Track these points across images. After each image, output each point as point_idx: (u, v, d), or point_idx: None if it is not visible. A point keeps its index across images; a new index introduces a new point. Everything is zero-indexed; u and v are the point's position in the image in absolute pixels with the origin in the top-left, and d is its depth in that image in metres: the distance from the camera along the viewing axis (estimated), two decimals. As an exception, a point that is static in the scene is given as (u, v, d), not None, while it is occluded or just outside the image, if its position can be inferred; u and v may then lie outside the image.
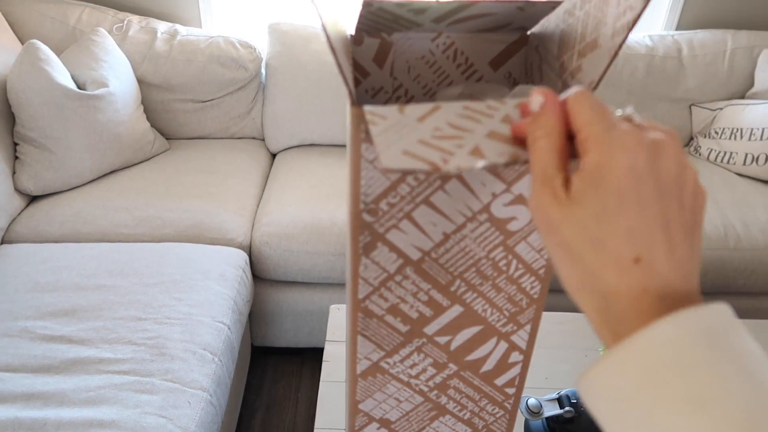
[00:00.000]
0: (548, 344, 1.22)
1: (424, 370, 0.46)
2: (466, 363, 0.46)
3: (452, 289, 0.41)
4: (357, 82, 0.45)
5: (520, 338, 0.45)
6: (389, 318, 0.42)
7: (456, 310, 0.42)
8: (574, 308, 1.70)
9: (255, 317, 1.69)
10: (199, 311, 1.27)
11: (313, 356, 1.85)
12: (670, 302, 0.27)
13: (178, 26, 1.92)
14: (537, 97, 0.30)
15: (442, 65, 0.46)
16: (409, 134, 0.30)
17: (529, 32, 0.45)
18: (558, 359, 1.18)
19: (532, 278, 0.41)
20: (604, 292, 0.28)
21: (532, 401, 0.82)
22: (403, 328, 0.43)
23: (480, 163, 0.29)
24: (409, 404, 0.48)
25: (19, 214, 1.59)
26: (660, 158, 0.28)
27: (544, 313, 1.30)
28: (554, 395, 0.84)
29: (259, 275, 1.62)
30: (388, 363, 0.45)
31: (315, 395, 1.72)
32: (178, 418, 1.05)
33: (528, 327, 0.44)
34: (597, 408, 0.28)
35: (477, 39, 0.44)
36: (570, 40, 0.38)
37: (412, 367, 0.45)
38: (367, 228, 0.38)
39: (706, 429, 0.23)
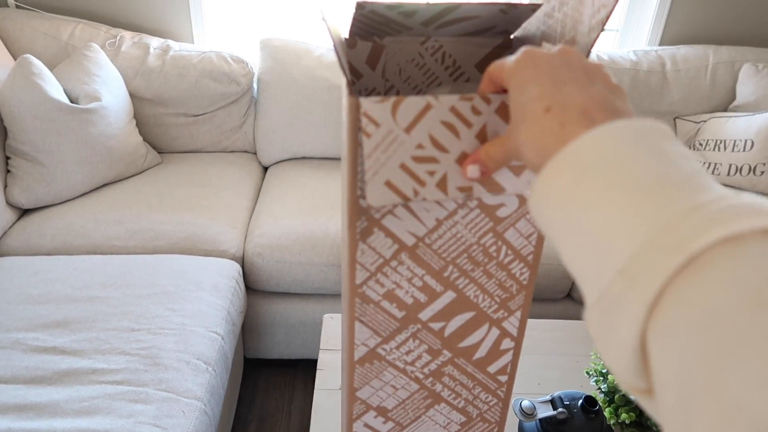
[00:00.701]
0: (540, 351, 1.23)
1: (419, 357, 0.47)
2: (459, 350, 0.47)
3: (445, 274, 0.43)
4: (350, 84, 0.47)
5: (511, 324, 0.46)
6: (385, 303, 0.44)
7: (449, 295, 0.44)
8: (565, 316, 1.72)
9: (248, 329, 1.69)
10: (193, 321, 1.27)
11: (306, 368, 1.84)
12: (591, 125, 0.31)
13: (170, 42, 1.94)
14: (472, 169, 0.36)
15: (431, 67, 0.48)
16: (395, 154, 0.34)
17: (512, 36, 0.47)
18: (550, 366, 1.20)
19: (521, 264, 0.43)
20: (535, 145, 0.32)
21: (525, 403, 0.84)
22: (399, 314, 0.44)
23: (441, 197, 0.35)
24: (405, 392, 0.49)
25: (11, 227, 1.58)
26: (551, 52, 0.34)
27: (536, 322, 1.32)
28: (547, 397, 0.85)
29: (251, 287, 1.63)
30: (384, 349, 0.46)
31: (308, 407, 1.72)
32: (173, 428, 1.05)
33: (518, 313, 0.46)
34: (543, 219, 0.31)
35: (464, 43, 0.47)
36: (550, 40, 0.41)
37: (407, 353, 0.46)
38: (363, 214, 0.39)
39: (624, 206, 0.27)
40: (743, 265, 0.22)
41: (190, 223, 1.60)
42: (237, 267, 1.51)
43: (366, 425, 0.51)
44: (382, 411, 0.50)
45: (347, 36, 0.46)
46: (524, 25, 0.45)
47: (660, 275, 0.24)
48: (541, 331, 1.29)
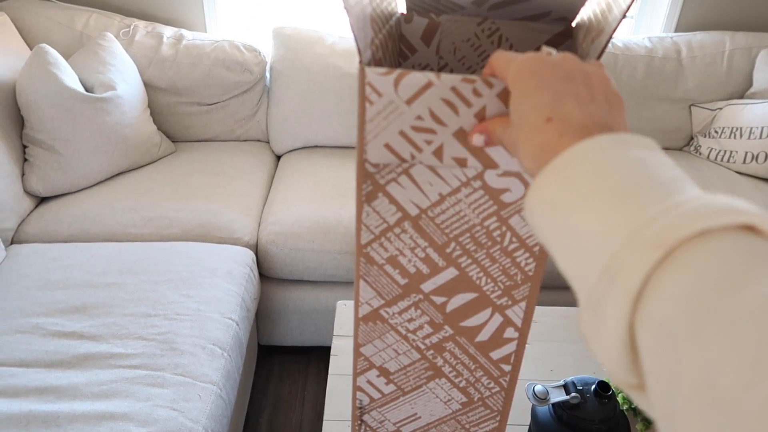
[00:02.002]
0: (554, 338, 1.24)
1: (420, 327, 0.48)
2: (461, 328, 0.48)
3: (448, 250, 0.44)
4: (405, 58, 0.48)
5: (515, 314, 0.47)
6: (389, 268, 0.45)
7: (451, 272, 0.45)
8: (574, 301, 1.72)
9: (261, 316, 1.71)
10: (208, 308, 1.28)
11: (320, 355, 1.86)
12: (585, 137, 0.32)
13: (183, 31, 1.95)
14: (477, 137, 0.38)
15: (487, 49, 0.49)
16: (395, 121, 0.36)
17: (573, 24, 0.47)
18: (563, 352, 1.20)
19: (527, 254, 0.44)
20: (533, 153, 0.34)
21: (538, 388, 0.84)
22: (402, 281, 0.45)
23: (436, 164, 0.37)
24: (406, 358, 0.50)
25: (29, 215, 1.61)
26: (555, 61, 0.36)
27: (549, 309, 1.32)
28: (561, 382, 0.86)
29: (265, 274, 1.64)
30: (387, 312, 0.47)
31: (322, 394, 1.74)
32: (189, 411, 1.06)
33: (523, 304, 0.46)
34: (537, 225, 0.33)
35: (522, 27, 0.47)
36: (592, 29, 0.41)
37: (409, 321, 0.48)
38: (369, 177, 0.41)
39: (606, 209, 0.29)
40: (714, 257, 0.24)
41: (204, 210, 1.62)
42: (251, 254, 1.53)
43: (369, 382, 0.52)
44: (384, 372, 0.51)
45: (404, 11, 0.47)
46: (580, 13, 0.45)
47: (640, 270, 0.26)
48: (554, 318, 1.29)
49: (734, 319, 0.22)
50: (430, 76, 0.34)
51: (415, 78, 0.34)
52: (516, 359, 0.49)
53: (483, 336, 0.48)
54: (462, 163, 0.37)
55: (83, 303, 1.26)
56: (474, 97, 0.35)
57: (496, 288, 0.45)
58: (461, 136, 0.37)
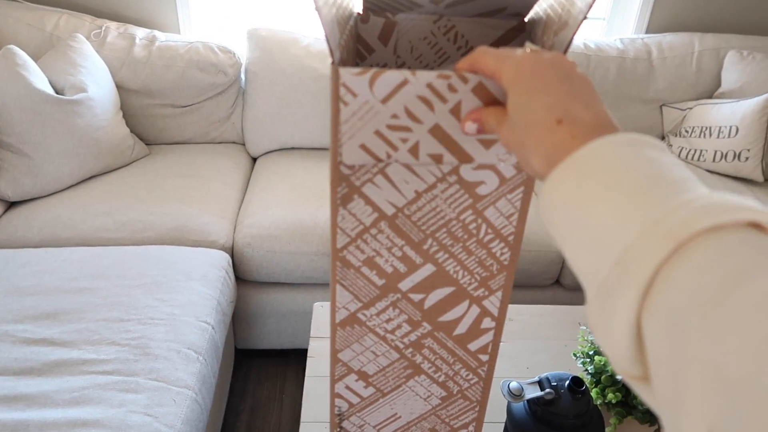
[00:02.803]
0: (529, 336, 1.25)
1: (399, 326, 0.48)
2: (439, 324, 0.48)
3: (425, 247, 0.44)
4: (362, 58, 0.48)
5: (492, 304, 0.47)
6: (365, 270, 0.45)
7: (428, 268, 0.45)
8: (554, 302, 1.74)
9: (238, 320, 1.69)
10: (183, 311, 1.27)
11: (297, 357, 1.85)
12: (597, 137, 0.34)
13: (156, 32, 1.93)
14: (469, 125, 0.39)
15: (443, 46, 0.49)
16: (370, 122, 0.35)
17: (526, 19, 0.48)
18: (539, 350, 1.21)
19: (502, 244, 0.44)
20: (546, 153, 0.35)
21: (513, 384, 0.85)
22: (379, 282, 0.45)
23: (412, 161, 0.37)
24: (385, 359, 0.50)
25: (-3, 220, 1.57)
26: (552, 61, 0.37)
27: (525, 307, 1.33)
28: (535, 379, 0.86)
29: (241, 277, 1.63)
30: (365, 315, 0.47)
31: (300, 396, 1.73)
32: (164, 416, 1.05)
33: (499, 294, 0.46)
34: (551, 221, 0.34)
35: (477, 24, 0.47)
36: (551, 23, 0.42)
37: (387, 321, 0.48)
38: (344, 180, 0.40)
39: (619, 204, 0.30)
40: (724, 251, 0.25)
41: (179, 213, 1.60)
42: (226, 257, 1.51)
43: (348, 387, 0.52)
44: (363, 375, 0.51)
45: (360, 11, 0.47)
46: (534, 8, 0.46)
47: (650, 262, 0.27)
48: (529, 316, 1.30)
49: (742, 309, 0.23)
50: (405, 74, 0.34)
51: (391, 76, 0.34)
52: (493, 349, 0.50)
53: (461, 329, 0.48)
54: (438, 159, 0.37)
55: (54, 309, 1.23)
56: (449, 92, 0.36)
57: (473, 280, 0.46)
58: (437, 132, 0.37)
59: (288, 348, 1.77)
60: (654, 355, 0.26)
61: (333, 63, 0.35)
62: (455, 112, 0.36)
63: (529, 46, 0.39)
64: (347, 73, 0.34)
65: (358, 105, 0.35)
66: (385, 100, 0.35)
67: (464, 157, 0.38)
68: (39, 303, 1.25)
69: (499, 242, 0.44)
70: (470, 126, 0.38)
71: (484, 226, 0.43)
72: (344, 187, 0.41)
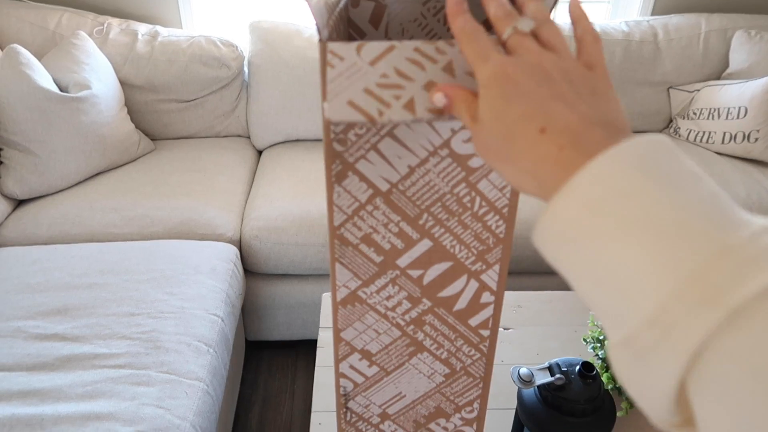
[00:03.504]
0: (539, 322, 1.24)
1: (399, 303, 0.48)
2: (439, 299, 0.48)
3: (420, 222, 0.44)
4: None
5: (490, 278, 0.47)
6: (363, 247, 0.45)
7: (425, 244, 0.45)
8: (563, 288, 1.73)
9: (248, 312, 1.70)
10: (192, 305, 1.27)
11: (307, 348, 1.86)
12: (590, 147, 0.29)
13: (158, 27, 1.93)
14: (439, 97, 0.35)
15: (434, 28, 0.49)
16: (358, 81, 0.34)
17: None
18: (548, 336, 1.21)
19: (497, 217, 0.44)
20: (531, 169, 0.31)
21: (523, 371, 0.84)
22: (377, 258, 0.46)
23: (410, 118, 0.34)
24: (387, 337, 0.50)
25: (6, 218, 1.58)
26: (529, 61, 0.33)
27: (534, 294, 1.33)
28: (545, 364, 0.86)
29: (250, 269, 1.63)
30: (365, 293, 0.47)
31: (311, 387, 1.73)
32: (176, 408, 1.06)
33: (497, 267, 0.46)
34: (551, 253, 0.30)
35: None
36: None
37: (388, 299, 0.48)
38: (338, 157, 0.41)
39: (644, 245, 0.25)
40: None
41: (186, 208, 1.60)
42: (234, 250, 1.52)
43: (352, 367, 0.52)
44: (366, 354, 0.51)
45: None
46: None
47: (699, 330, 0.23)
48: (539, 303, 1.30)
49: None
50: (391, 42, 0.34)
51: (377, 44, 0.34)
52: (494, 323, 0.50)
53: (461, 304, 0.48)
54: (438, 112, 0.35)
55: (65, 305, 1.24)
56: (438, 54, 0.35)
57: (470, 254, 0.46)
58: (432, 88, 0.35)
59: (298, 339, 1.78)
60: (704, 420, 0.24)
61: (321, 40, 0.35)
62: (448, 69, 0.35)
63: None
64: (334, 44, 0.34)
65: (345, 66, 0.34)
66: (373, 62, 0.34)
67: None
68: (50, 299, 1.26)
69: (493, 215, 0.44)
70: (439, 98, 0.34)
71: (478, 199, 0.43)
72: (338, 165, 0.41)
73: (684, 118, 2.04)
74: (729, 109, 1.90)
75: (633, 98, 2.05)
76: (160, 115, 1.93)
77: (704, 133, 1.96)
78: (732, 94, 1.90)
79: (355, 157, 0.41)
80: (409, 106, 0.34)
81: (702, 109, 1.97)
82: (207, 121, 1.98)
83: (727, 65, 2.05)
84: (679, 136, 2.04)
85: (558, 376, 0.84)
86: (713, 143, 1.93)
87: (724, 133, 1.90)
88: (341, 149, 0.40)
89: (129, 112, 1.90)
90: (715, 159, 1.88)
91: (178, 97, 1.91)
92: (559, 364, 0.87)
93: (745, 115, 1.86)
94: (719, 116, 1.92)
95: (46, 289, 1.28)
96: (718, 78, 2.06)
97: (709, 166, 1.83)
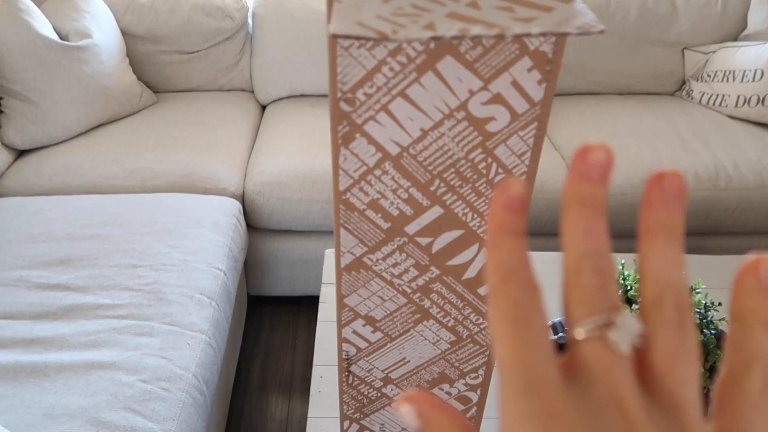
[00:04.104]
0: (542, 282, 1.24)
1: (406, 271, 0.47)
2: (447, 268, 0.46)
3: (432, 188, 0.42)
4: None
5: None
6: (370, 213, 0.43)
7: (436, 211, 0.43)
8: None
9: (250, 267, 1.70)
10: (195, 258, 1.27)
11: (309, 304, 1.87)
12: None
13: (160, -26, 1.87)
14: (407, 412, 0.20)
15: None
16: (369, 10, 0.31)
17: None
18: (550, 297, 1.20)
19: None
20: None
21: (525, 329, 0.84)
22: (384, 225, 0.44)
23: (428, 35, 0.30)
24: (393, 304, 0.49)
25: (8, 168, 1.57)
26: (604, 408, 0.18)
27: (538, 254, 1.32)
28: (548, 323, 0.86)
29: (253, 225, 1.63)
30: (370, 259, 0.46)
31: (312, 342, 1.75)
32: (179, 359, 1.06)
33: None
34: None
35: None
36: None
37: (394, 266, 0.46)
38: (345, 118, 0.38)
39: None
40: None
41: (189, 162, 1.59)
42: (237, 205, 1.51)
43: (355, 332, 0.51)
44: (370, 320, 0.50)
45: None
46: None
47: None
48: (541, 263, 1.29)
49: None
50: None
51: None
52: None
53: (470, 273, 0.47)
54: (463, 32, 0.31)
55: (67, 255, 1.24)
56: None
57: (483, 222, 0.44)
58: (455, 15, 0.31)
59: (300, 295, 1.79)
60: None
61: None
62: (473, 4, 0.32)
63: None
64: None
65: (353, 1, 0.31)
66: (386, 0, 0.31)
67: (490, 26, 0.31)
68: (52, 249, 1.25)
69: None
70: (408, 414, 0.19)
71: (494, 166, 0.41)
72: (345, 126, 0.39)
73: (698, 81, 1.99)
74: (745, 71, 1.85)
75: (646, 59, 2.00)
76: (162, 66, 1.90)
77: (718, 96, 1.91)
78: (749, 56, 1.85)
79: (363, 119, 0.38)
80: (430, 26, 0.30)
81: (717, 72, 1.92)
82: (210, 74, 1.94)
83: (745, 26, 1.99)
84: (692, 99, 2.00)
85: (561, 334, 0.84)
86: (726, 107, 1.89)
87: (738, 97, 1.86)
88: (349, 109, 0.38)
89: (130, 63, 1.86)
90: (728, 123, 1.85)
91: (181, 48, 1.87)
92: (562, 323, 0.87)
93: (761, 78, 1.81)
94: (734, 79, 1.87)
95: (48, 240, 1.28)
96: (735, 39, 2.00)
97: (721, 130, 1.80)
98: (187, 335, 1.11)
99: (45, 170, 1.54)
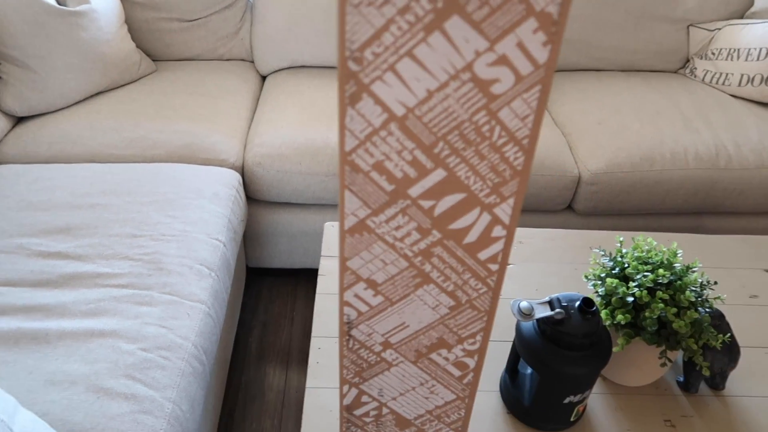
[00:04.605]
0: (539, 259, 1.25)
1: (408, 234, 0.47)
2: (449, 231, 0.47)
3: (436, 151, 0.42)
4: None
5: (503, 212, 0.46)
6: (374, 175, 0.43)
7: (439, 173, 0.43)
8: (566, 226, 1.73)
9: (249, 239, 1.71)
10: (194, 228, 1.27)
11: (308, 277, 1.88)
12: None
13: (159, -60, 1.83)
14: None
15: None
16: None
17: None
18: (548, 273, 1.21)
19: (516, 148, 0.42)
20: None
21: (524, 304, 0.85)
22: (388, 187, 0.44)
23: None
24: (394, 268, 0.49)
25: (6, 135, 1.56)
26: None
27: (537, 231, 1.33)
28: (546, 299, 0.86)
29: (252, 196, 1.63)
30: (374, 222, 0.46)
31: (310, 314, 1.77)
32: (178, 329, 1.07)
33: (511, 200, 0.45)
34: None
35: None
36: None
37: (397, 229, 0.47)
38: (352, 77, 0.38)
39: None
40: None
41: (188, 132, 1.58)
42: (237, 176, 1.50)
43: (356, 296, 0.52)
44: (372, 284, 0.51)
45: None
46: None
47: None
48: (541, 240, 1.30)
49: None
50: None
51: None
52: (503, 258, 0.49)
53: (471, 237, 0.47)
54: None
55: (67, 224, 1.24)
56: None
57: (485, 186, 0.44)
58: None
59: (299, 267, 1.80)
60: None
61: None
62: None
63: None
64: None
65: None
66: None
67: None
68: (52, 218, 1.25)
69: (513, 146, 0.42)
70: None
71: (497, 129, 0.41)
72: (352, 85, 0.39)
73: (702, 58, 1.97)
74: (749, 50, 1.83)
75: (651, 35, 1.98)
76: (162, 34, 1.87)
77: (721, 74, 1.90)
78: (755, 34, 1.83)
79: (370, 78, 0.38)
80: None
81: (721, 50, 1.91)
82: (210, 43, 1.92)
83: (752, 3, 1.97)
84: (695, 76, 1.98)
85: (558, 310, 0.85)
86: (729, 85, 1.88)
87: (742, 75, 1.85)
88: (357, 69, 0.38)
89: (129, 30, 1.84)
90: (730, 102, 1.84)
91: (180, 15, 1.84)
92: (560, 299, 0.87)
93: (765, 57, 1.79)
94: (738, 57, 1.86)
95: (48, 208, 1.28)
96: (742, 17, 1.98)
97: (723, 109, 1.79)
98: (186, 305, 1.12)
99: (44, 138, 1.53)
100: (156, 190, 1.35)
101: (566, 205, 1.70)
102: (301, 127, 1.62)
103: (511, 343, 0.99)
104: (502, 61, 0.37)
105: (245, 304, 1.78)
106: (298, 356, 1.64)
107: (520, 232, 1.32)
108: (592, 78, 1.96)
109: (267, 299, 1.80)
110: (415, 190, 0.44)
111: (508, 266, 1.22)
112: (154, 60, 1.92)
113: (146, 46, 1.89)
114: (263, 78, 1.99)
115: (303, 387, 1.56)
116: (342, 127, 0.41)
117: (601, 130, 1.69)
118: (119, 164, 1.44)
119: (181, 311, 1.10)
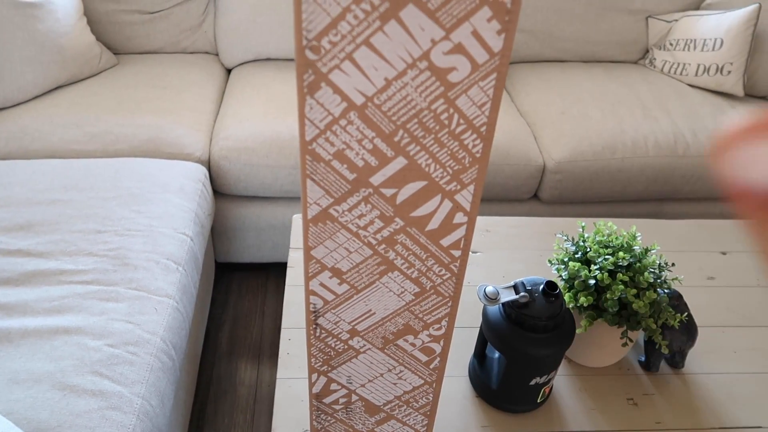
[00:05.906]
0: (505, 246, 1.27)
1: (371, 222, 0.48)
2: (411, 219, 0.48)
3: (396, 139, 0.43)
4: None
5: (464, 198, 0.47)
6: (336, 164, 0.44)
7: (400, 161, 0.44)
8: (531, 215, 1.76)
9: (218, 234, 1.69)
10: (160, 223, 1.26)
11: (277, 271, 1.87)
12: None
13: (118, -70, 1.79)
14: None
15: None
16: None
17: None
18: (514, 259, 1.24)
19: (474, 135, 0.43)
20: None
21: (489, 289, 0.86)
22: (350, 176, 0.45)
23: None
24: (359, 256, 0.50)
25: (-39, 131, 1.51)
26: None
27: (503, 219, 1.35)
28: (510, 284, 0.88)
29: (219, 191, 1.61)
30: (336, 210, 0.47)
31: (281, 307, 1.76)
32: (146, 324, 1.06)
33: (471, 187, 0.46)
34: None
35: None
36: None
37: (360, 217, 0.47)
38: (310, 66, 0.38)
39: None
40: None
41: (152, 125, 1.55)
42: (203, 170, 1.49)
43: (322, 285, 0.53)
44: (336, 272, 0.51)
45: None
46: None
47: None
48: (507, 227, 1.32)
49: None
50: None
51: None
52: (465, 244, 0.50)
53: (433, 224, 0.48)
54: None
55: (27, 221, 1.21)
56: None
57: (445, 174, 0.45)
58: None
59: (268, 261, 1.79)
60: None
61: None
62: None
63: None
64: None
65: None
66: None
67: None
68: (11, 215, 1.22)
69: (471, 133, 0.43)
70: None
71: (456, 116, 0.42)
72: (310, 75, 0.39)
73: (660, 49, 2.03)
74: (705, 40, 1.89)
75: (611, 26, 2.02)
76: (122, 27, 1.83)
77: (679, 64, 1.95)
78: (709, 25, 1.89)
79: (328, 67, 0.39)
80: None
81: (678, 40, 1.96)
82: (172, 36, 1.89)
83: (707, -5, 2.02)
84: (654, 67, 2.03)
85: (522, 294, 0.87)
86: (687, 75, 1.93)
87: (698, 65, 1.90)
88: (314, 57, 0.38)
89: (89, 23, 1.80)
90: (687, 91, 1.89)
91: (141, 7, 1.81)
92: (524, 283, 0.89)
93: (720, 47, 1.85)
94: (695, 47, 1.91)
95: (6, 205, 1.25)
96: (698, 8, 2.04)
97: (681, 99, 1.84)
98: (154, 300, 1.11)
99: (1, 133, 1.49)
100: (120, 185, 1.33)
101: (532, 194, 1.73)
102: (267, 119, 1.61)
103: (479, 329, 1.01)
104: (458, 49, 0.38)
105: (215, 299, 1.76)
106: (270, 350, 1.63)
107: (487, 221, 1.34)
108: (555, 69, 2.00)
109: (237, 294, 1.79)
110: (376, 179, 0.45)
111: (476, 254, 1.23)
112: (115, 53, 1.88)
113: (107, 39, 1.85)
114: (228, 71, 1.97)
115: (275, 380, 1.56)
116: (302, 117, 0.41)
117: (564, 119, 1.72)
118: (81, 159, 1.41)
119: (149, 306, 1.09)
